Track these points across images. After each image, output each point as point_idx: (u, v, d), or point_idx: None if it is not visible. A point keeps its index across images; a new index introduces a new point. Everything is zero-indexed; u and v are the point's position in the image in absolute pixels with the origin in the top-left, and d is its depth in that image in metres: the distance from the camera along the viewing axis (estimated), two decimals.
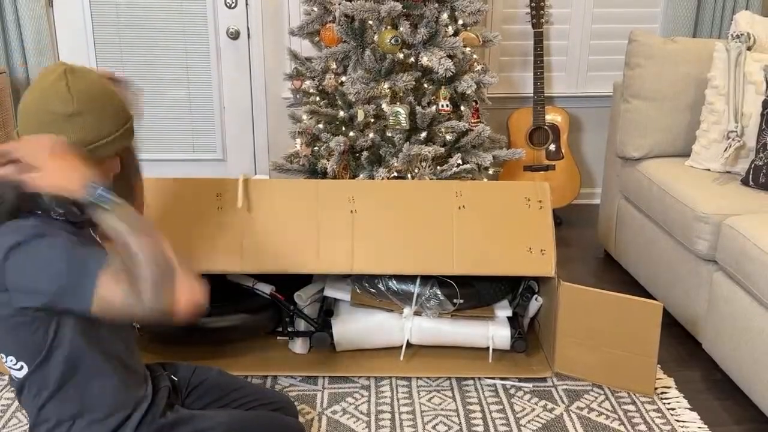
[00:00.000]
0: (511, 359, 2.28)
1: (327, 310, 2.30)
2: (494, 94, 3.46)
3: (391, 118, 2.63)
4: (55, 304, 1.28)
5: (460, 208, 2.23)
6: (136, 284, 1.21)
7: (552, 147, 3.49)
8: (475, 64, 2.83)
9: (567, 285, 2.12)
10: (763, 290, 1.99)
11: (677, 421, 2.03)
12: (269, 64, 3.53)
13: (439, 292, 2.19)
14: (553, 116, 3.50)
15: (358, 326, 2.24)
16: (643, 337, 2.05)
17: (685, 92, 2.77)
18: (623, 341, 2.08)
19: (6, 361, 1.41)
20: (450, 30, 2.69)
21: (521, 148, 2.99)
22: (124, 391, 1.47)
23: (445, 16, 2.65)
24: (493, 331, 2.23)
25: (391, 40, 2.57)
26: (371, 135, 2.68)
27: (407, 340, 2.24)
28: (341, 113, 2.71)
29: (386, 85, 2.63)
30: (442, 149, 2.69)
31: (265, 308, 2.26)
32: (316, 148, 2.80)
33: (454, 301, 2.19)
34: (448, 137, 2.73)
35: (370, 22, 2.63)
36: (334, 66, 2.75)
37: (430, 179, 2.68)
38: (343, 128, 2.74)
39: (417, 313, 2.23)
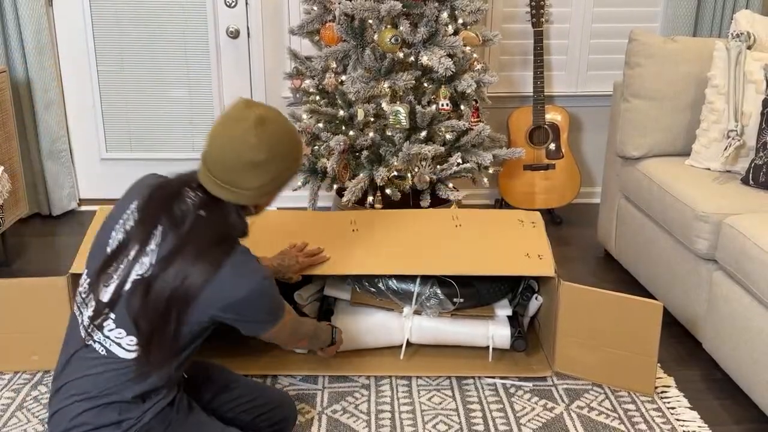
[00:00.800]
0: (511, 358, 2.28)
1: (327, 309, 2.30)
2: (494, 93, 3.46)
3: (391, 117, 2.63)
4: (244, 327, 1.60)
5: (457, 226, 2.28)
6: (296, 338, 1.84)
7: (552, 146, 3.48)
8: (475, 63, 2.83)
9: (567, 284, 2.12)
10: (763, 289, 1.99)
11: (677, 420, 2.04)
12: (269, 64, 3.53)
13: (439, 292, 2.19)
14: (553, 115, 3.50)
15: (358, 325, 2.24)
16: (643, 336, 2.05)
17: (685, 91, 2.76)
18: (623, 341, 2.08)
19: (120, 337, 1.47)
20: (450, 29, 2.69)
21: (521, 148, 2.99)
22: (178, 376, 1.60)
23: (445, 15, 2.65)
24: (493, 330, 2.23)
25: (391, 39, 2.57)
26: (371, 134, 2.68)
27: (407, 340, 2.24)
28: (341, 112, 2.71)
29: (386, 84, 2.63)
30: (442, 148, 2.69)
31: None
32: (316, 147, 2.80)
33: (454, 300, 2.19)
34: (448, 136, 2.73)
35: (370, 21, 2.63)
36: (334, 65, 2.75)
37: (430, 178, 2.68)
38: (343, 127, 2.74)
39: (417, 313, 2.23)
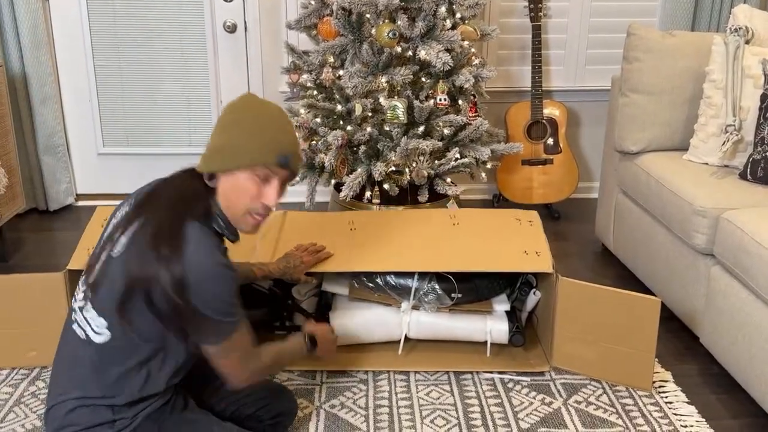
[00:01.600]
0: (509, 353, 2.28)
1: (325, 304, 2.30)
2: (492, 87, 3.46)
3: (388, 112, 2.62)
4: (197, 326, 1.46)
5: (454, 224, 2.29)
6: (248, 368, 1.59)
7: (550, 141, 3.48)
8: (473, 57, 2.83)
9: (565, 280, 2.12)
10: (761, 284, 1.99)
11: (675, 414, 2.04)
12: (266, 58, 3.52)
13: (437, 287, 2.19)
14: (551, 110, 3.50)
15: (356, 321, 2.24)
16: (640, 332, 2.05)
17: (683, 86, 2.76)
18: (621, 336, 2.08)
19: (92, 318, 1.47)
20: (448, 23, 2.69)
21: (519, 142, 2.98)
22: (174, 378, 1.57)
23: (443, 9, 2.65)
24: (491, 325, 2.23)
25: (388, 33, 2.56)
26: (369, 129, 2.67)
27: (405, 335, 2.24)
28: (339, 107, 2.71)
29: (384, 79, 2.63)
30: (440, 143, 2.69)
31: (264, 303, 2.25)
32: (313, 142, 2.79)
33: (452, 295, 2.19)
34: (446, 131, 2.72)
35: (368, 15, 2.62)
36: (331, 60, 2.74)
37: (428, 173, 2.68)
38: (341, 122, 2.74)
39: (415, 308, 2.23)
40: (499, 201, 3.67)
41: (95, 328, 1.48)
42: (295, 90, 2.95)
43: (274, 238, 2.26)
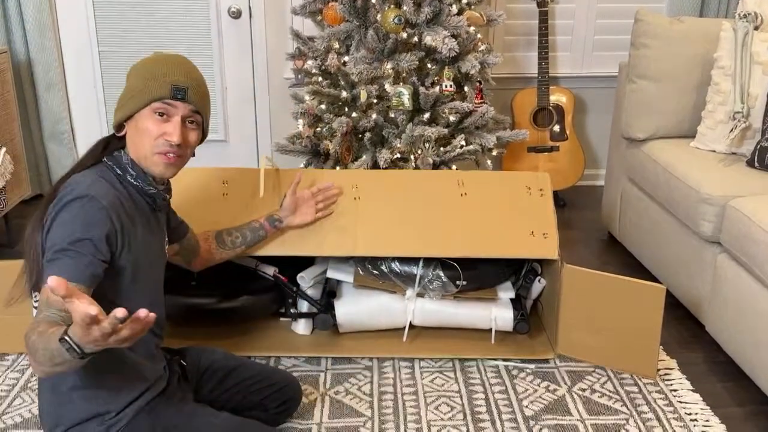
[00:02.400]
0: (514, 341, 2.28)
1: (330, 291, 2.30)
2: (498, 74, 3.44)
3: (394, 98, 2.61)
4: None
5: (462, 195, 2.24)
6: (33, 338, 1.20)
7: (556, 128, 3.46)
8: (479, 43, 2.81)
9: (570, 267, 2.12)
10: None
11: (679, 402, 2.04)
12: (271, 44, 3.50)
13: (442, 274, 2.18)
14: (557, 97, 3.48)
15: (361, 308, 2.24)
16: (645, 320, 2.05)
17: (691, 73, 2.74)
18: (626, 324, 2.08)
19: (35, 302, 1.43)
20: (454, 9, 2.67)
21: (525, 129, 2.97)
22: (140, 367, 1.50)
23: None
24: (496, 312, 2.23)
25: (394, 19, 2.54)
26: (374, 116, 2.66)
27: (410, 322, 2.24)
28: (344, 94, 2.70)
29: (389, 65, 2.61)
30: (446, 130, 2.68)
31: (268, 290, 2.26)
32: (318, 128, 2.79)
33: (457, 282, 2.19)
34: (452, 118, 2.71)
35: (373, 0, 2.60)
36: (336, 46, 2.73)
37: (433, 160, 2.67)
38: (346, 109, 2.73)
39: (420, 295, 2.23)
40: None
41: (34, 302, 1.46)
42: (300, 76, 2.94)
43: (276, 196, 2.22)
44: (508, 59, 3.58)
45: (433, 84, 2.70)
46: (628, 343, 2.10)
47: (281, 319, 2.36)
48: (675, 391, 2.09)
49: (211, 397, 1.71)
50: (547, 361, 2.22)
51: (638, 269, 2.81)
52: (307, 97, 2.82)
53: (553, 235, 2.16)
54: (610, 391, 2.08)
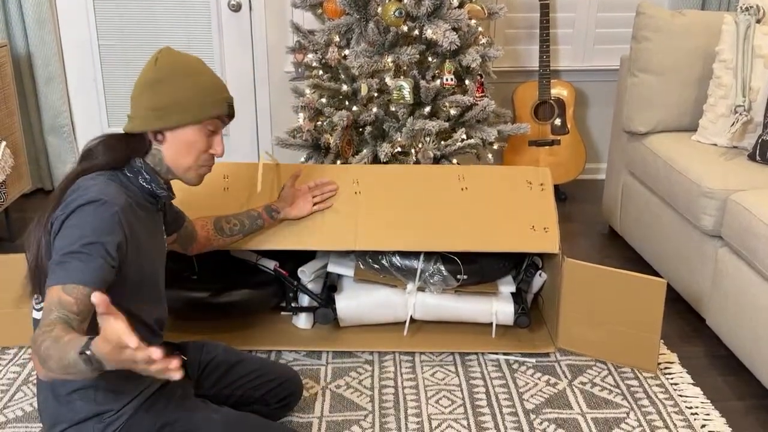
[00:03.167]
0: (515, 335, 2.28)
1: (330, 285, 2.30)
2: (499, 67, 3.43)
3: (394, 92, 2.61)
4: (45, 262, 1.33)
5: (462, 189, 2.24)
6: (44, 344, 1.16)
7: (557, 121, 3.46)
8: (480, 36, 2.80)
9: (571, 261, 2.12)
10: None
11: (680, 396, 2.04)
12: (271, 37, 3.49)
13: (442, 268, 2.18)
14: (558, 90, 3.47)
15: (362, 302, 2.24)
16: (646, 314, 2.05)
17: (692, 66, 2.73)
18: (627, 318, 2.08)
19: (35, 301, 1.43)
20: (455, 2, 2.66)
21: (526, 123, 2.96)
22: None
23: None
24: (497, 306, 2.23)
25: (395, 12, 2.53)
26: (375, 109, 2.66)
27: (411, 316, 2.24)
28: (344, 87, 2.69)
29: (390, 59, 2.60)
30: (446, 124, 2.67)
31: (269, 284, 2.26)
32: (319, 122, 2.78)
33: (458, 276, 2.19)
34: (453, 112, 2.71)
35: None
36: (337, 39, 2.72)
37: (434, 154, 2.66)
38: (347, 102, 2.72)
39: (420, 289, 2.23)
40: None
41: (35, 304, 1.45)
42: (300, 70, 2.94)
43: (276, 190, 2.22)
44: (509, 52, 3.57)
45: (433, 77, 2.69)
46: (628, 337, 2.10)
47: (282, 313, 2.36)
48: (675, 384, 2.09)
49: (212, 393, 1.71)
50: (547, 354, 2.22)
51: (639, 263, 2.81)
52: (307, 91, 2.81)
53: (553, 230, 2.16)
54: (610, 385, 2.08)
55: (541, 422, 1.92)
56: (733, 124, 2.52)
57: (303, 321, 2.31)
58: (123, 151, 1.48)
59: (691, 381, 2.11)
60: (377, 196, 2.21)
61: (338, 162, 2.85)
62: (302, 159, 2.85)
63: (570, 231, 3.17)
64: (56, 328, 1.17)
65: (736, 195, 2.20)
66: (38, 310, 1.44)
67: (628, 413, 1.96)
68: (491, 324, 2.24)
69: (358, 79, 2.64)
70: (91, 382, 1.42)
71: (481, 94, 2.83)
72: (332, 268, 2.30)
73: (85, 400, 1.45)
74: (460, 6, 2.69)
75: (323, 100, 2.74)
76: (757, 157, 2.44)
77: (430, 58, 2.69)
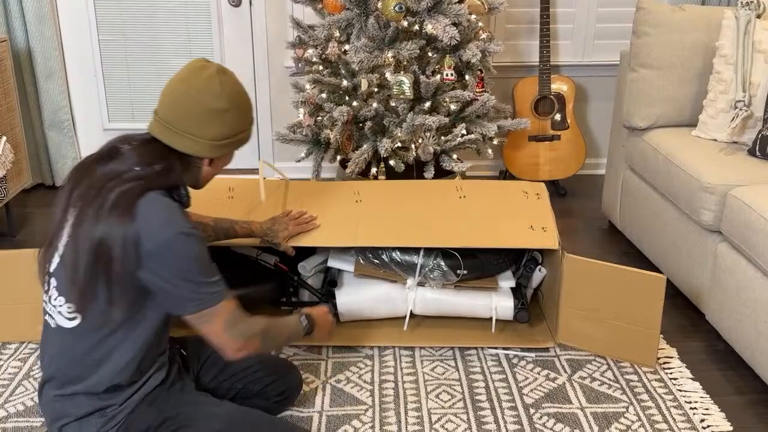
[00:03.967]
0: (514, 330, 2.29)
1: (331, 280, 2.30)
2: (499, 62, 3.43)
3: (394, 87, 2.61)
4: (169, 295, 1.43)
5: (461, 198, 2.28)
6: (238, 335, 1.51)
7: (557, 117, 3.46)
8: (481, 32, 2.80)
9: (571, 257, 2.12)
10: None
11: (679, 390, 2.05)
12: (271, 32, 3.49)
13: (442, 263, 2.19)
14: (558, 85, 3.47)
15: (362, 297, 2.25)
16: (646, 309, 2.05)
17: (692, 61, 2.73)
18: (626, 313, 2.08)
19: (60, 305, 1.44)
20: None
21: (526, 118, 2.96)
22: (147, 360, 1.53)
23: None
24: (497, 301, 2.24)
25: (395, 7, 2.53)
26: (375, 104, 2.66)
27: (411, 311, 2.25)
28: (344, 82, 2.69)
29: (390, 54, 2.60)
30: (446, 119, 2.67)
31: (269, 279, 2.26)
32: (319, 117, 2.78)
33: (458, 272, 2.19)
34: (453, 107, 2.71)
35: None
36: (337, 34, 2.72)
37: (434, 149, 2.66)
38: (347, 98, 2.72)
39: (420, 284, 2.23)
40: (505, 177, 3.65)
41: (65, 313, 1.45)
42: (300, 65, 2.93)
43: (279, 203, 2.25)
44: (509, 47, 3.57)
45: (434, 73, 2.69)
46: (628, 332, 2.11)
47: (282, 308, 2.36)
48: (675, 379, 2.10)
49: (211, 386, 1.72)
50: (547, 349, 2.23)
51: (639, 258, 2.81)
52: (307, 86, 2.81)
53: (552, 229, 2.17)
54: (609, 380, 2.09)
55: (541, 417, 1.93)
56: (733, 120, 2.52)
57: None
58: (179, 174, 1.51)
59: (691, 376, 2.12)
60: (378, 204, 2.25)
61: (338, 157, 2.85)
62: (302, 154, 2.85)
63: (570, 226, 3.17)
64: (265, 321, 1.59)
65: (735, 190, 2.20)
66: (67, 316, 1.46)
67: (627, 408, 1.97)
68: (491, 319, 2.25)
69: (359, 75, 2.64)
70: (97, 384, 1.46)
71: (481, 90, 2.83)
72: (332, 263, 2.30)
73: (88, 397, 1.46)
74: (461, 1, 2.68)
75: (323, 95, 2.74)
76: (757, 153, 2.44)
77: (430, 54, 2.69)
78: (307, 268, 2.28)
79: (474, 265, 2.21)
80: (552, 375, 2.11)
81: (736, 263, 2.15)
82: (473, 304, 2.25)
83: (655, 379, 2.09)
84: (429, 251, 2.20)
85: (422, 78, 2.61)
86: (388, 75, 2.63)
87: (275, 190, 2.31)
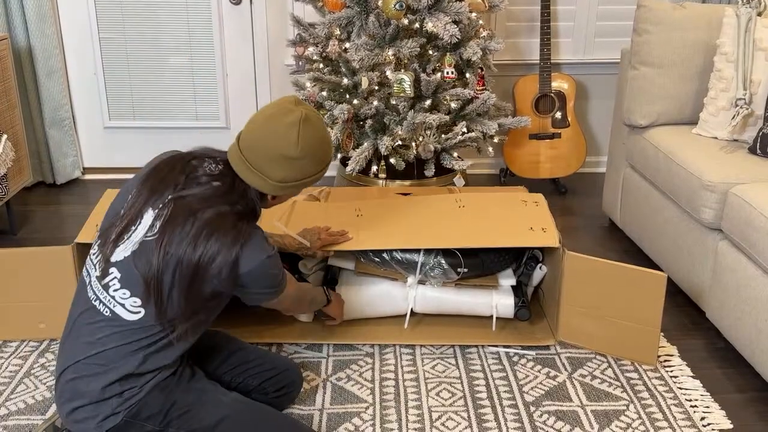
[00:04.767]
0: (515, 328, 2.29)
1: (331, 278, 2.31)
2: (500, 60, 3.43)
3: (395, 85, 2.61)
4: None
5: (460, 207, 2.29)
6: (298, 301, 1.90)
7: (558, 115, 3.46)
8: (481, 29, 2.80)
9: (572, 254, 2.12)
10: None
11: (680, 388, 2.05)
12: (272, 31, 3.49)
13: (443, 261, 2.19)
14: (559, 83, 3.47)
15: (363, 295, 2.25)
16: (646, 307, 2.05)
17: (693, 59, 2.73)
18: (627, 311, 2.08)
19: (124, 297, 1.50)
20: None
21: (527, 116, 2.96)
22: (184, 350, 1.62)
23: None
24: (497, 299, 2.24)
25: (395, 5, 2.53)
26: (375, 103, 2.66)
27: (411, 309, 2.25)
28: (345, 80, 2.69)
29: (390, 52, 2.60)
30: (447, 117, 2.67)
31: None
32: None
33: (459, 270, 2.19)
34: (453, 105, 2.71)
35: None
36: (337, 32, 2.72)
37: (435, 147, 2.66)
38: (347, 96, 2.72)
39: (421, 282, 2.24)
40: (506, 176, 3.65)
41: (129, 307, 1.50)
42: (300, 63, 2.94)
43: (283, 223, 2.27)
44: (509, 45, 3.57)
45: (434, 70, 2.69)
46: (628, 330, 2.11)
47: None
48: (675, 377, 2.10)
49: (214, 377, 1.73)
50: (547, 347, 2.23)
51: (639, 256, 2.81)
52: (308, 84, 2.81)
53: (552, 230, 2.17)
54: (610, 378, 2.09)
55: (541, 414, 1.93)
56: (733, 117, 2.52)
57: (304, 314, 2.32)
58: (256, 205, 1.63)
59: (691, 374, 2.12)
60: (378, 214, 2.28)
61: (339, 155, 2.85)
62: None
63: (570, 224, 3.17)
64: (307, 287, 2.06)
65: (736, 188, 2.20)
66: (131, 309, 1.52)
67: (627, 406, 1.97)
68: (491, 317, 2.25)
69: (359, 73, 2.64)
70: (129, 370, 1.52)
71: (481, 87, 2.83)
72: (333, 262, 2.30)
73: (120, 382, 1.51)
74: None
75: (324, 93, 2.75)
76: (758, 151, 2.44)
77: (430, 51, 2.69)
78: (307, 266, 2.28)
79: (474, 264, 2.21)
80: (552, 373, 2.11)
81: (737, 261, 2.15)
82: (474, 302, 2.25)
83: (656, 377, 2.09)
84: (430, 250, 2.20)
85: (423, 76, 2.61)
86: (388, 73, 2.63)
87: (274, 211, 2.32)
